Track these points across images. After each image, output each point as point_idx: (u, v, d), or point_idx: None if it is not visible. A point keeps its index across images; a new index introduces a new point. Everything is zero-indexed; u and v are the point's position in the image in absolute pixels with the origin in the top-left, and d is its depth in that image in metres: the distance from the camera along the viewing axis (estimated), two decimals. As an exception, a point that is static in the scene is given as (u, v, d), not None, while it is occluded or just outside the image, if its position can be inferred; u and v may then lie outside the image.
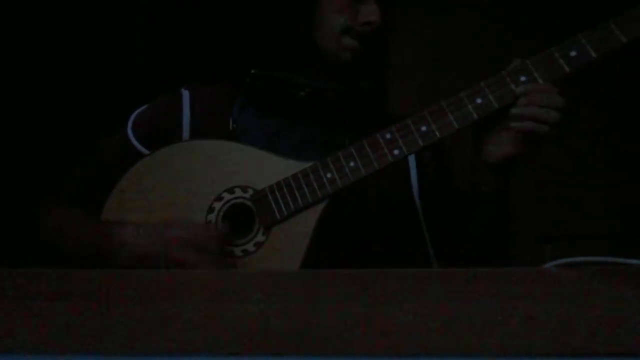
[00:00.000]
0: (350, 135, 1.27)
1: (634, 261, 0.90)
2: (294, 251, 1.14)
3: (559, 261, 0.91)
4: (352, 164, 1.14)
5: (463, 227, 1.28)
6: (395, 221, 1.29)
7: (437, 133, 1.13)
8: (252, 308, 0.75)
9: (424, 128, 1.13)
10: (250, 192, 1.17)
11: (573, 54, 1.12)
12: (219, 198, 1.18)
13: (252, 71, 1.27)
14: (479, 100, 1.13)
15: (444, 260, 1.29)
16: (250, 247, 1.16)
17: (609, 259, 0.89)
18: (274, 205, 1.16)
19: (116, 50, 2.63)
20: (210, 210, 1.17)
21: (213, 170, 1.19)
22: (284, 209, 1.15)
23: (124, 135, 1.30)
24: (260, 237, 1.16)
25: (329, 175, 1.14)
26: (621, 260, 0.89)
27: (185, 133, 1.28)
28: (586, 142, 2.68)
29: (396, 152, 1.13)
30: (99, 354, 0.61)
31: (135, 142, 1.29)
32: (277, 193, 1.16)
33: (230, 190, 1.18)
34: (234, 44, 1.38)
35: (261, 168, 1.18)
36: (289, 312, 0.72)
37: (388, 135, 1.14)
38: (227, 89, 1.33)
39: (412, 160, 1.31)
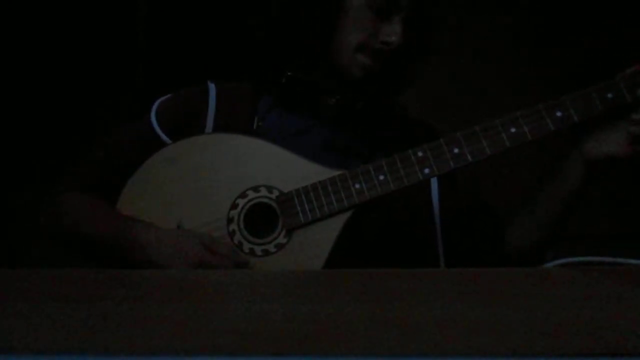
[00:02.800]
0: (371, 146, 1.29)
1: (634, 261, 0.90)
2: (315, 257, 1.15)
3: (559, 261, 0.91)
4: (381, 177, 1.16)
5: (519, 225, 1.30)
6: (412, 238, 1.29)
7: (469, 157, 1.14)
8: (253, 308, 0.75)
9: (456, 150, 1.15)
10: (276, 192, 1.18)
11: (609, 95, 1.15)
12: (243, 195, 1.18)
13: (288, 74, 1.27)
14: (512, 130, 1.14)
15: None
16: (271, 247, 1.17)
17: (609, 259, 0.89)
18: (299, 209, 1.16)
19: (117, 45, 2.63)
20: (234, 206, 1.18)
21: (239, 166, 1.20)
22: (309, 213, 1.16)
23: (147, 121, 1.29)
24: (282, 239, 1.17)
25: (357, 185, 1.16)
26: (621, 260, 0.89)
27: (209, 126, 1.28)
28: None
29: (426, 170, 1.15)
30: (99, 354, 0.61)
31: (158, 130, 1.27)
32: (303, 197, 1.17)
33: (256, 189, 1.18)
34: (255, 48, 1.38)
35: (289, 170, 1.19)
36: (290, 312, 0.72)
37: (420, 153, 1.16)
38: (252, 87, 1.33)
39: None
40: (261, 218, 1.18)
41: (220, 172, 1.20)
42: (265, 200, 1.18)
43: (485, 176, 1.41)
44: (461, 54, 2.70)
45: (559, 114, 1.14)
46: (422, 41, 1.28)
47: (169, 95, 1.34)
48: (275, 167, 1.19)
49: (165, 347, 0.62)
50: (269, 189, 1.18)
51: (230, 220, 1.18)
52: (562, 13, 2.61)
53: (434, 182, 1.31)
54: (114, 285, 0.89)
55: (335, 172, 1.17)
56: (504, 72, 2.60)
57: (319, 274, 1.10)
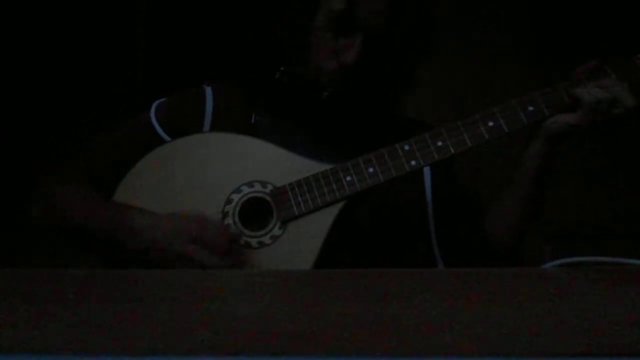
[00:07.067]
0: (362, 139, 1.30)
1: (634, 261, 0.90)
2: (309, 247, 1.20)
3: (559, 261, 0.91)
4: (370, 169, 1.22)
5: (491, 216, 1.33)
6: (405, 226, 1.32)
7: (451, 149, 1.22)
8: (253, 308, 0.75)
9: (440, 143, 1.23)
10: (270, 187, 1.22)
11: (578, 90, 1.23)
12: (237, 190, 1.22)
13: (281, 69, 1.29)
14: (490, 124, 1.23)
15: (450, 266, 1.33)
16: (266, 239, 1.21)
17: (609, 259, 0.89)
18: (293, 202, 1.21)
19: (117, 45, 2.63)
20: (228, 201, 1.22)
21: (233, 163, 1.24)
22: (302, 205, 1.21)
23: (147, 119, 1.32)
24: (277, 231, 1.21)
25: (348, 178, 1.22)
26: (621, 260, 0.89)
27: (207, 126, 1.31)
28: (586, 142, 2.68)
29: (413, 162, 1.22)
30: (99, 354, 0.61)
31: (157, 127, 1.30)
32: (297, 190, 1.22)
33: (250, 184, 1.22)
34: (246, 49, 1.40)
35: (282, 166, 1.23)
36: (290, 312, 0.72)
37: (406, 147, 1.23)
38: (248, 86, 1.36)
39: (427, 168, 1.34)
40: (256, 212, 1.21)
41: (214, 169, 1.24)
42: (260, 194, 1.22)
43: (479, 167, 1.43)
44: (461, 53, 2.71)
45: (530, 108, 1.22)
46: (398, 48, 1.29)
47: (165, 99, 1.37)
48: (269, 163, 1.24)
49: (165, 347, 0.62)
50: (263, 184, 1.22)
51: (225, 215, 1.21)
52: (562, 13, 2.61)
53: (427, 171, 1.35)
54: (114, 285, 0.89)
55: (327, 166, 1.22)
56: (503, 72, 2.61)
57: (319, 273, 1.10)
